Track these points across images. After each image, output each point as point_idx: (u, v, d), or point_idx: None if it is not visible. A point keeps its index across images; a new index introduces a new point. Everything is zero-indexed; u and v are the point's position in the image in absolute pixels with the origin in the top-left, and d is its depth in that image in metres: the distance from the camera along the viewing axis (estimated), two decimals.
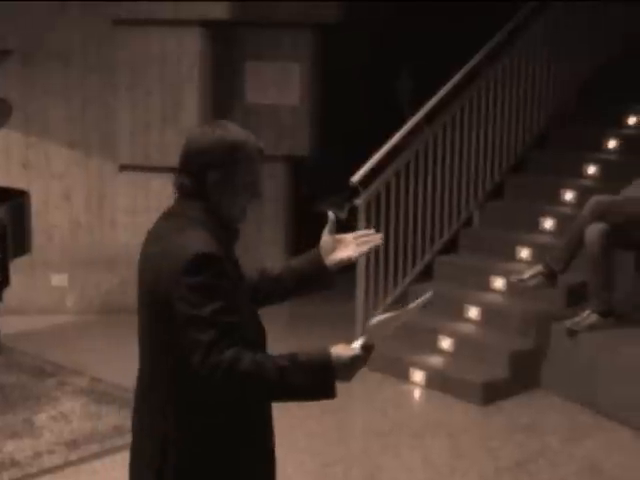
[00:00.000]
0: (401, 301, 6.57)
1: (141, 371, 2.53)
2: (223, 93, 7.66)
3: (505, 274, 6.40)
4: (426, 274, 6.93)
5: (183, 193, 2.47)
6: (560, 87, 7.69)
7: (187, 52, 7.23)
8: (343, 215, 7.77)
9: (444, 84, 6.95)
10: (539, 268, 5.85)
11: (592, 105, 7.43)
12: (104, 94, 7.36)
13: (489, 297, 6.47)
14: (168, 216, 2.50)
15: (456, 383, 5.86)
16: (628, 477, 4.86)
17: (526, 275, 5.90)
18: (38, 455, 4.91)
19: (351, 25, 8.07)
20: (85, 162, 7.48)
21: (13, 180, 6.97)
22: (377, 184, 6.56)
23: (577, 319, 5.76)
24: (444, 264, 6.90)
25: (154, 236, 2.49)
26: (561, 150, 7.38)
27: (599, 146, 7.31)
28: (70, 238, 7.53)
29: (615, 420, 5.43)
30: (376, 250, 5.93)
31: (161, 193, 7.03)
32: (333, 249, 2.71)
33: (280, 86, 7.85)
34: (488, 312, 6.28)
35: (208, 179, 2.43)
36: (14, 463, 4.81)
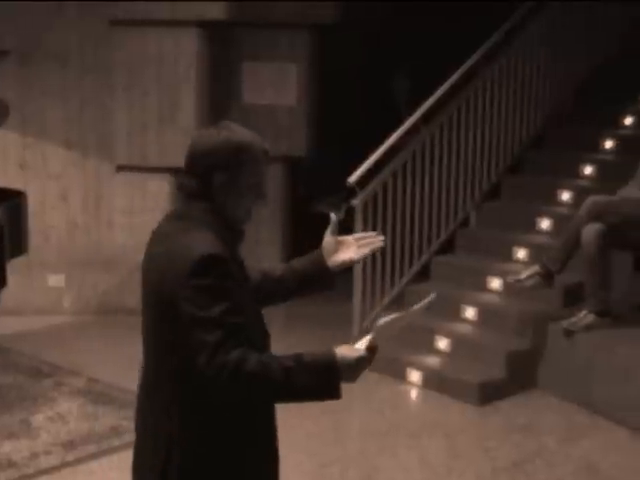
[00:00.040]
0: (398, 301, 6.58)
1: (145, 371, 2.53)
2: (220, 93, 7.66)
3: (502, 274, 6.40)
4: (423, 274, 6.93)
5: (188, 194, 2.48)
6: (557, 87, 7.69)
7: (184, 52, 7.23)
8: (340, 215, 7.77)
9: (441, 84, 6.96)
10: (536, 268, 5.86)
11: (589, 105, 7.42)
12: (101, 94, 7.36)
13: (486, 297, 6.47)
14: (173, 217, 2.51)
15: (453, 383, 5.86)
16: (625, 477, 4.87)
17: (523, 275, 5.90)
18: (35, 456, 4.91)
19: (348, 25, 8.08)
20: (82, 163, 7.47)
21: (10, 180, 6.96)
22: (374, 184, 6.57)
23: (574, 319, 5.77)
24: (441, 264, 6.90)
25: (159, 236, 2.49)
26: (558, 150, 7.38)
27: (596, 146, 7.30)
28: (67, 239, 7.52)
29: (612, 420, 5.43)
30: None
31: (158, 194, 7.00)
32: (335, 250, 2.73)
33: (277, 86, 7.85)
34: (485, 312, 6.28)
35: (214, 181, 2.44)
36: (11, 464, 4.81)
